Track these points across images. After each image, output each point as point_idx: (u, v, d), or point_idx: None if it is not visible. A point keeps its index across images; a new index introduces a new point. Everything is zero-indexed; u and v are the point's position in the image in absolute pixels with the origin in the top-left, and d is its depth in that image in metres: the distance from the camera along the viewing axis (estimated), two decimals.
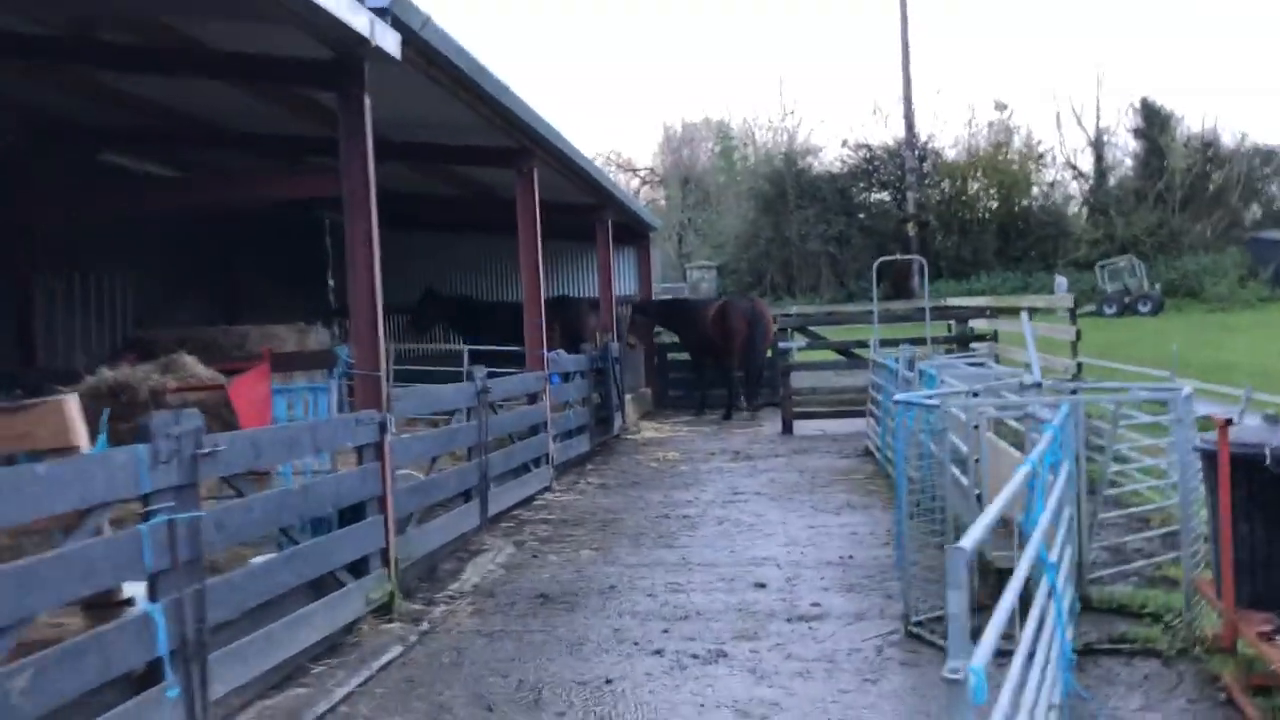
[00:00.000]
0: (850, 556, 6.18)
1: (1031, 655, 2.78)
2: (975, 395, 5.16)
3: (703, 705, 3.95)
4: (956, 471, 5.23)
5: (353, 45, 5.15)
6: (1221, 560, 3.75)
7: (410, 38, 5.61)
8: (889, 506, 7.67)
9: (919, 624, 4.75)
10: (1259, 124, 76.52)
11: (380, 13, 5.14)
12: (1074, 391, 5.06)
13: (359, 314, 5.47)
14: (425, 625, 5.14)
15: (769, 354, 14.45)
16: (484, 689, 4.22)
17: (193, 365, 5.76)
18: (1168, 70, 62.37)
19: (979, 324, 13.67)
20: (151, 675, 3.46)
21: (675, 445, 11.73)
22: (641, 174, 48.66)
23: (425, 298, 14.75)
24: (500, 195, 12.88)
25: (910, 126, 40.38)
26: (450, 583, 5.98)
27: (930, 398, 4.85)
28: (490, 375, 7.63)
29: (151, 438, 3.55)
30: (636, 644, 4.70)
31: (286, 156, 9.87)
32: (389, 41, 5.26)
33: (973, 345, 12.81)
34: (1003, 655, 4.30)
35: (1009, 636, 4.58)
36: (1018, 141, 41.11)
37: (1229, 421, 3.63)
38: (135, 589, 3.60)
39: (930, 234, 38.51)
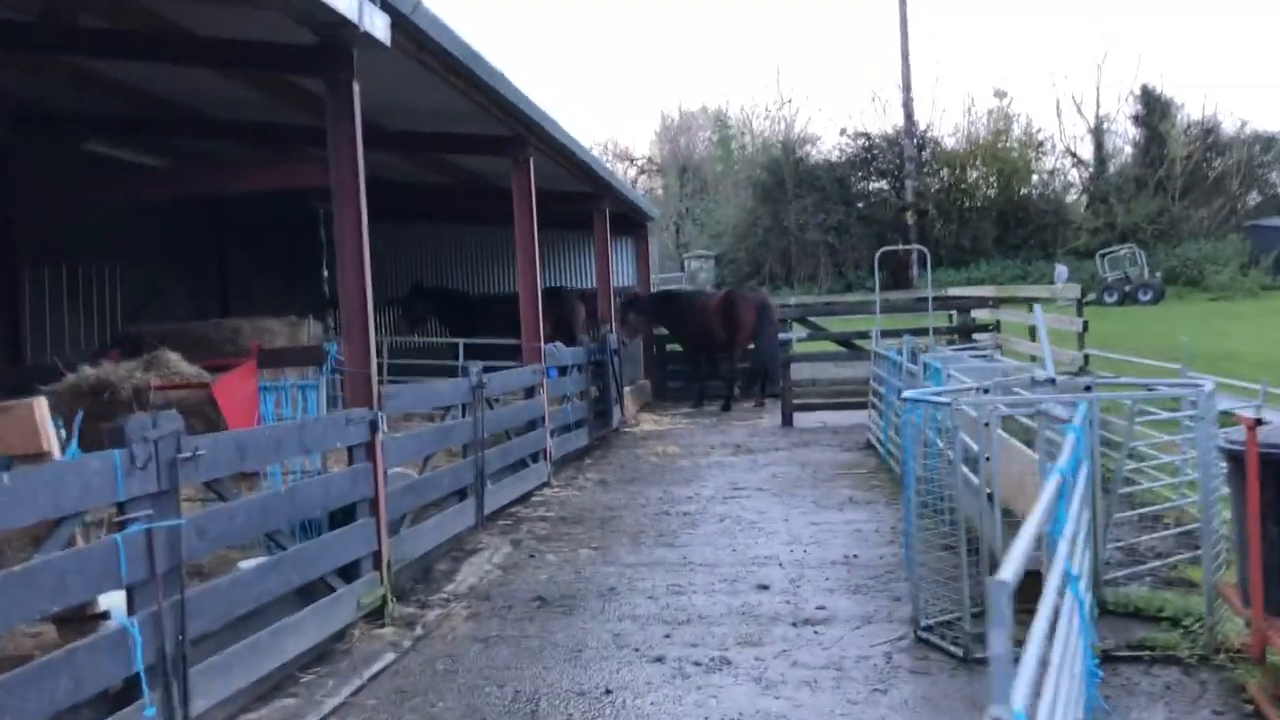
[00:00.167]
0: (855, 555, 6.03)
1: (1053, 669, 2.62)
2: (985, 392, 4.99)
3: (706, 718, 3.80)
4: (967, 471, 5.07)
5: (339, 29, 4.95)
6: (1250, 565, 3.59)
7: (400, 21, 5.41)
8: (893, 502, 7.52)
9: (928, 629, 4.59)
10: (1259, 111, 76.30)
11: None
12: (1088, 387, 4.88)
13: (349, 307, 5.29)
14: (419, 630, 4.99)
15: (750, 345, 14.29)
16: (479, 700, 4.06)
17: (176, 362, 5.56)
18: (1168, 58, 62.14)
19: (981, 314, 13.53)
20: (128, 693, 3.30)
21: (675, 439, 11.57)
22: (639, 163, 48.39)
23: (413, 291, 14.55)
24: (495, 184, 12.68)
25: (909, 115, 40.08)
26: (445, 585, 5.82)
27: (940, 395, 4.68)
28: (486, 369, 7.46)
29: (127, 442, 3.38)
30: (637, 650, 4.54)
31: (278, 147, 9.66)
32: (377, 26, 5.06)
33: (974, 336, 12.67)
34: (1015, 663, 4.17)
35: (1021, 642, 4.44)
36: (1017, 129, 40.86)
37: (1259, 421, 3.46)
38: (112, 601, 3.43)
39: (929, 223, 38.29)
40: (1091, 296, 28.97)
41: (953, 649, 4.33)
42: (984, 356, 8.11)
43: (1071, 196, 41.26)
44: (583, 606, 5.25)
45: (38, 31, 6.10)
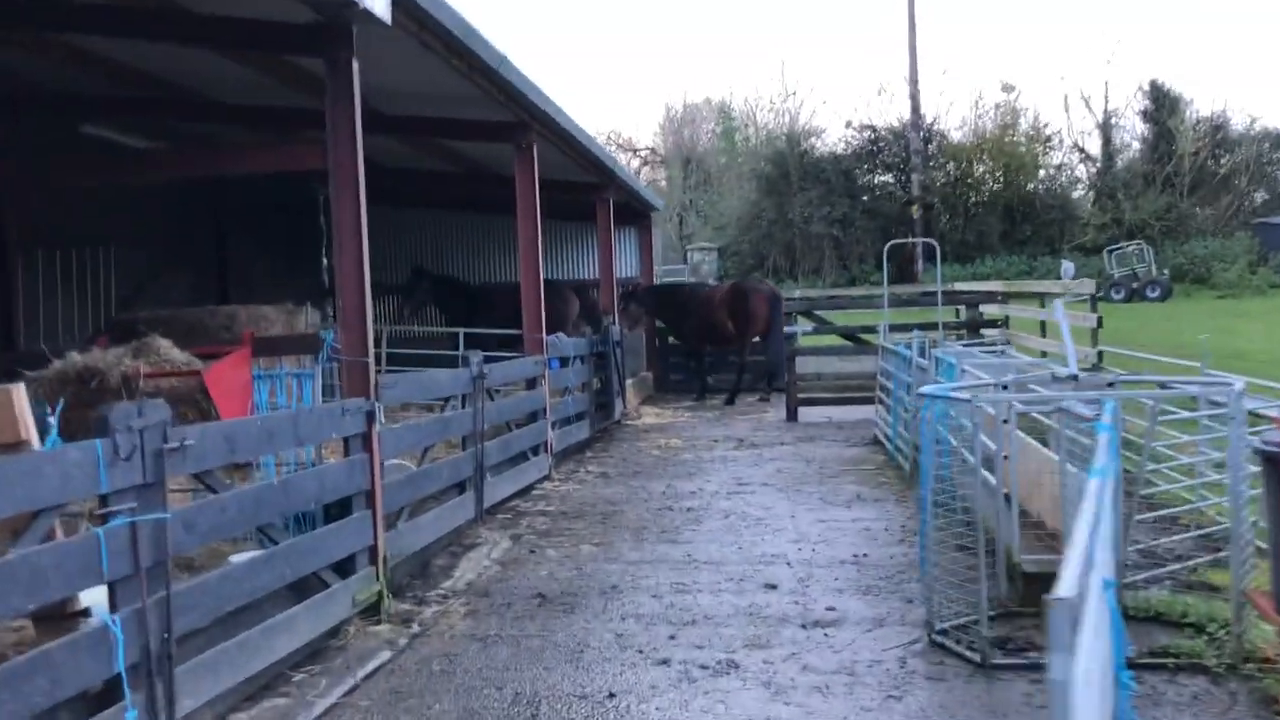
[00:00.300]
0: (864, 555, 5.87)
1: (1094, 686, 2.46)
2: (1004, 388, 4.83)
3: None
4: (986, 473, 4.91)
5: (339, 7, 4.78)
6: None
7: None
8: (902, 500, 7.37)
9: (943, 632, 4.44)
10: (1269, 108, 75.77)
11: None
12: (1111, 384, 4.72)
13: (346, 294, 5.12)
14: (415, 628, 4.84)
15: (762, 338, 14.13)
16: (477, 703, 3.91)
17: (167, 349, 5.39)
18: (1177, 54, 61.66)
19: (989, 309, 13.35)
20: (110, 694, 3.15)
21: (677, 432, 11.42)
22: (641, 154, 48.09)
23: (415, 276, 14.33)
24: (497, 172, 12.49)
25: (916, 107, 39.79)
26: (443, 580, 5.67)
27: (959, 390, 4.51)
28: (487, 360, 7.29)
29: (110, 431, 3.22)
30: (641, 652, 4.39)
31: (277, 130, 9.46)
32: (377, 2, 4.88)
33: (982, 331, 12.49)
34: (1036, 670, 4.01)
35: (1040, 648, 4.27)
36: (1025, 124, 40.55)
37: None
38: (94, 597, 3.28)
39: (934, 217, 38.04)
40: (1099, 293, 28.74)
41: (969, 654, 4.18)
42: (997, 352, 7.94)
43: (1078, 192, 40.98)
44: (584, 605, 5.10)
45: (34, 6, 5.92)
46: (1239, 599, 4.00)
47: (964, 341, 10.85)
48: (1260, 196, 39.38)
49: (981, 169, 39.32)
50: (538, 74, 8.09)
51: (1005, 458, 4.80)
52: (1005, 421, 4.77)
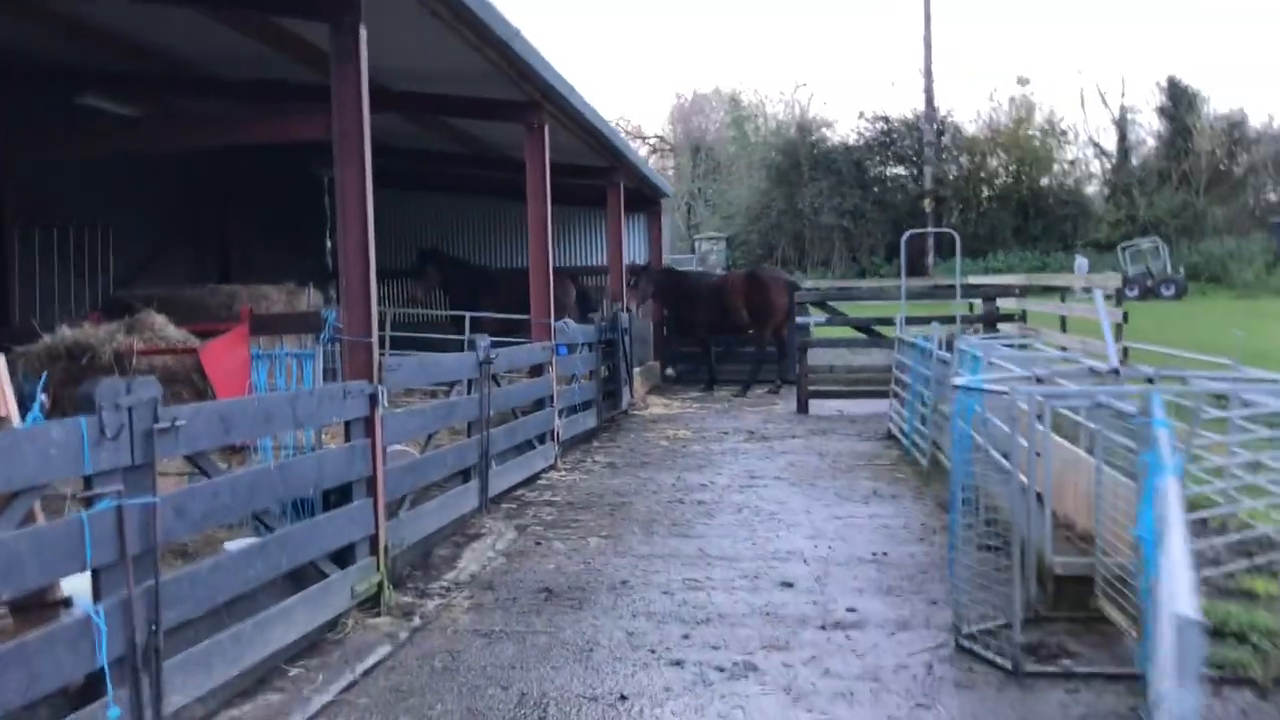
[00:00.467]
0: (884, 553, 5.65)
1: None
2: (1038, 382, 4.60)
3: None
4: (1010, 466, 4.69)
5: None
6: None
7: None
8: (919, 496, 7.15)
9: (970, 636, 4.23)
10: None
11: None
12: (1150, 380, 4.48)
13: (350, 270, 4.90)
14: (417, 621, 4.64)
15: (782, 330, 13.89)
16: (481, 703, 3.71)
17: (162, 325, 5.18)
18: (1195, 51, 60.96)
19: (1006, 303, 13.08)
20: (92, 689, 2.95)
21: (685, 422, 11.20)
22: (650, 141, 47.69)
23: (423, 258, 14.06)
24: (506, 154, 12.25)
25: (930, 99, 39.38)
26: (446, 571, 5.47)
27: (995, 384, 4.28)
28: (493, 344, 7.08)
29: (97, 409, 3.01)
30: (653, 651, 4.19)
31: (279, 105, 9.22)
32: None
33: (998, 326, 12.23)
34: (1070, 679, 3.80)
35: (1074, 654, 4.06)
36: (1039, 117, 40.10)
37: None
38: (77, 586, 3.08)
39: (946, 210, 37.67)
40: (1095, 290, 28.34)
41: (1000, 660, 3.96)
42: (1021, 346, 7.69)
43: (1092, 188, 40.54)
44: (593, 600, 4.89)
45: None
46: None
47: (982, 335, 10.60)
48: (1276, 196, 38.92)
49: (995, 163, 38.91)
50: (546, 57, 7.84)
51: (1038, 455, 4.57)
52: (1039, 417, 4.54)
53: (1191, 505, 5.80)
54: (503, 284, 13.64)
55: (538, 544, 6.02)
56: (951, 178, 38.45)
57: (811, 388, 11.86)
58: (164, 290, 8.17)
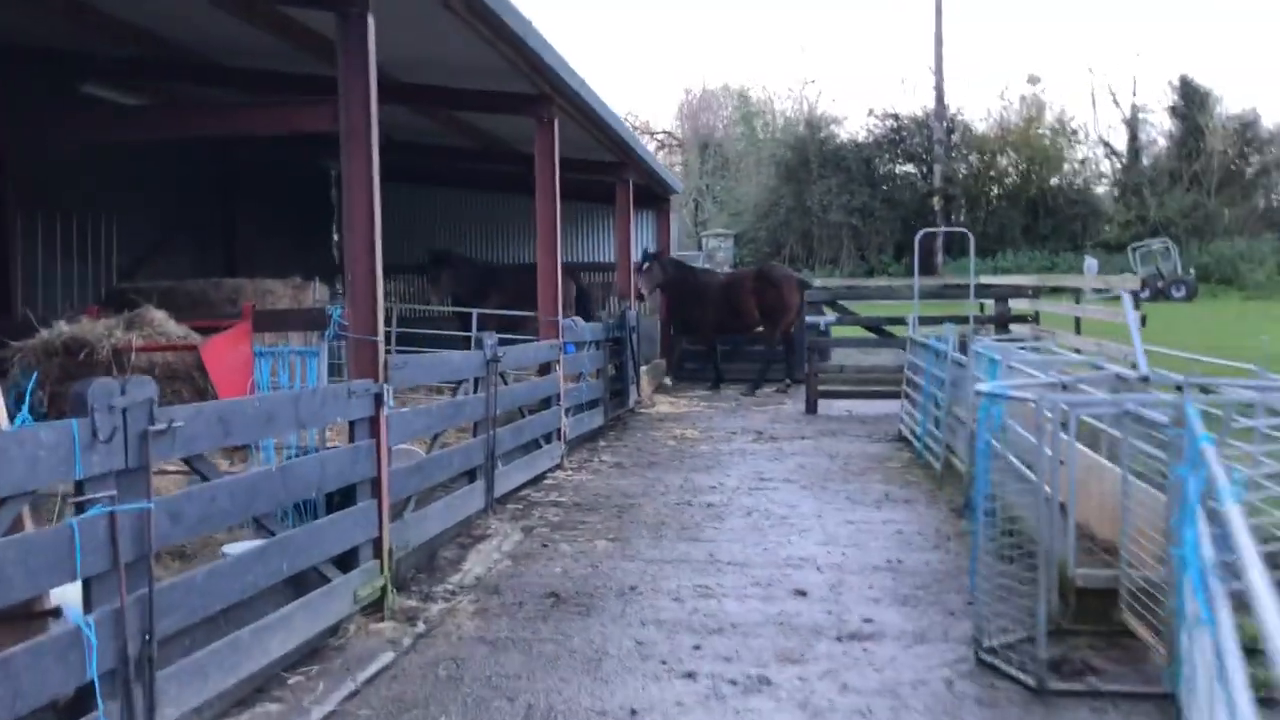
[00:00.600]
0: (899, 561, 5.52)
1: None
2: (1063, 388, 4.45)
3: None
4: (1031, 474, 4.55)
5: None
6: None
7: None
8: (933, 501, 7.01)
9: (991, 650, 4.09)
10: None
11: None
12: (1178, 388, 4.33)
13: (356, 266, 4.77)
14: (421, 626, 4.52)
15: (791, 328, 13.75)
16: (486, 716, 3.58)
17: (162, 321, 5.06)
18: (1207, 50, 60.48)
19: (1019, 304, 12.91)
20: (82, 703, 2.83)
21: (693, 422, 11.07)
22: (658, 137, 47.48)
23: (436, 260, 13.87)
24: (514, 148, 12.11)
25: (940, 96, 39.08)
26: (451, 574, 5.35)
27: (1019, 389, 4.14)
28: (501, 342, 6.95)
29: (89, 410, 2.89)
30: (664, 663, 4.06)
31: (286, 96, 9.10)
32: None
33: (1010, 327, 12.07)
34: (1097, 698, 3.67)
35: (1099, 671, 3.91)
36: (1050, 116, 39.79)
37: None
38: (67, 595, 2.95)
39: (955, 208, 37.42)
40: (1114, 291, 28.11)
41: (1023, 677, 3.83)
42: (1036, 348, 7.54)
43: (1102, 188, 40.23)
44: (601, 607, 4.77)
45: None
46: None
47: (994, 336, 10.44)
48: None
49: (1005, 161, 38.63)
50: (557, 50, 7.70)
51: (1061, 463, 4.43)
52: (1064, 424, 4.39)
53: (1214, 517, 5.67)
54: (507, 280, 13.51)
55: (544, 546, 5.90)
56: (961, 176, 38.18)
57: (821, 387, 11.71)
58: (168, 283, 8.05)
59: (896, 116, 39.47)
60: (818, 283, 17.95)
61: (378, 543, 4.68)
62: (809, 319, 12.68)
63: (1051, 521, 4.43)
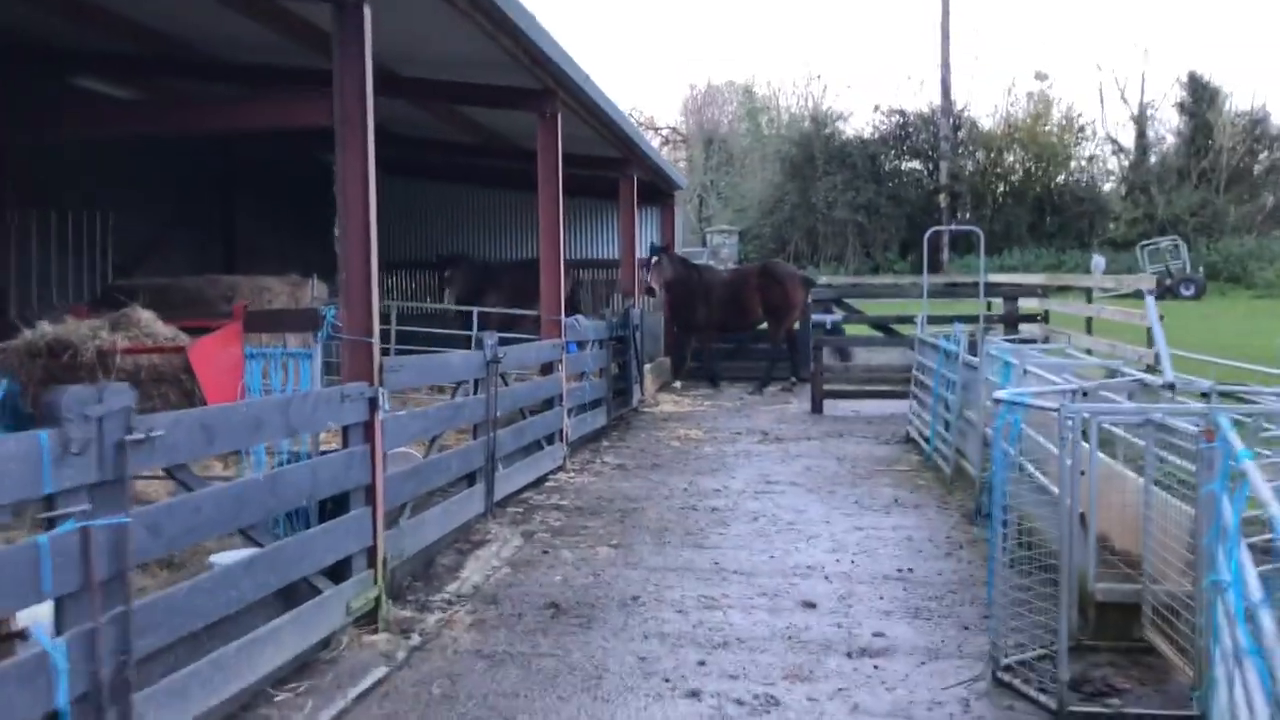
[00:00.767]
0: (910, 569, 5.35)
1: None
2: (1084, 395, 4.28)
3: None
4: (1050, 483, 4.38)
5: None
6: None
7: None
8: (943, 506, 6.84)
9: (1008, 669, 3.93)
10: None
11: None
12: (1205, 395, 4.16)
13: (351, 265, 4.61)
14: (416, 638, 4.36)
15: (795, 326, 13.58)
16: None
17: (149, 322, 4.90)
18: (1215, 47, 60.01)
19: (1028, 303, 12.73)
20: None
21: (697, 422, 10.90)
22: (663, 133, 47.21)
23: (452, 263, 13.63)
24: (515, 144, 11.94)
25: (946, 92, 38.73)
26: (448, 582, 5.20)
27: (1039, 397, 3.97)
28: (501, 341, 6.78)
29: (60, 420, 2.73)
30: (667, 680, 3.90)
31: (282, 91, 8.94)
32: None
33: (1019, 326, 11.89)
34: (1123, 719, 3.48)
35: (1121, 691, 3.75)
36: (1057, 113, 39.44)
37: None
38: (38, 616, 2.80)
39: (961, 205, 37.14)
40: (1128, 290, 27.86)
41: (1043, 699, 3.66)
42: (1050, 350, 7.35)
43: (1109, 185, 39.90)
44: (602, 619, 4.61)
45: None
46: None
47: (1005, 336, 10.26)
48: None
49: (1011, 158, 38.32)
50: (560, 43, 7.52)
51: (1082, 474, 4.26)
52: (1084, 433, 4.22)
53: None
54: (503, 278, 13.34)
55: (545, 553, 5.74)
56: (967, 173, 37.86)
57: (826, 387, 11.54)
58: (163, 280, 7.90)
59: (902, 112, 39.16)
60: (822, 280, 17.76)
61: (372, 551, 4.52)
62: (815, 317, 12.51)
63: (1071, 533, 4.27)
